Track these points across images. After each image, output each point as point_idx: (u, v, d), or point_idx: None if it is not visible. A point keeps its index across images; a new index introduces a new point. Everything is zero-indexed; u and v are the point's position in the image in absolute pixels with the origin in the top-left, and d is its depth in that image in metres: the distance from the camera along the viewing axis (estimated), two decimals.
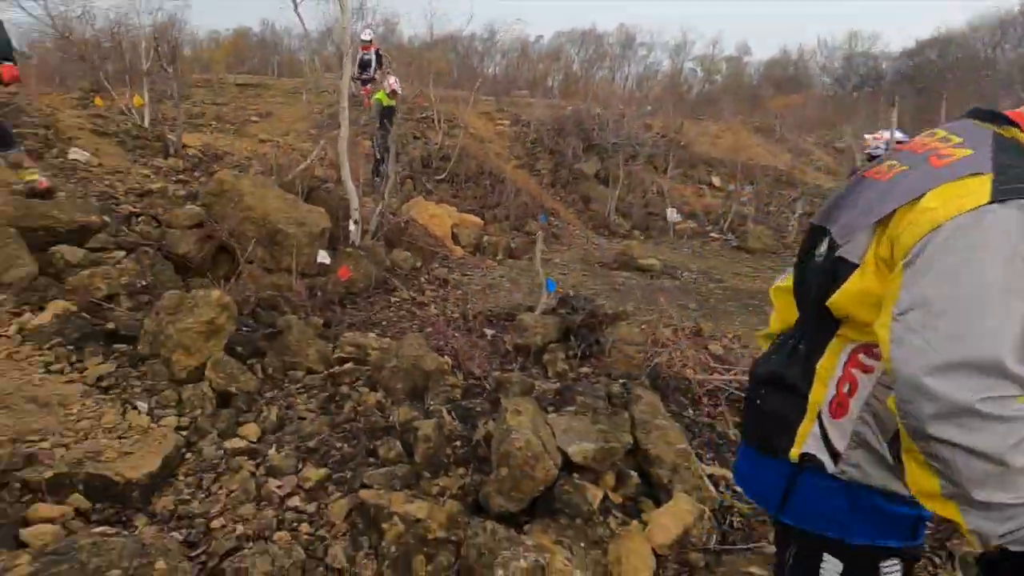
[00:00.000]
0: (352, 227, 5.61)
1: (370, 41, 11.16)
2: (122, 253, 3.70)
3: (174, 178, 5.61)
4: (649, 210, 10.77)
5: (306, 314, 4.03)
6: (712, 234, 10.09)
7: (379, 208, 6.31)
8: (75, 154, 4.79)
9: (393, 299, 5.12)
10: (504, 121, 13.45)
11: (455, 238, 7.66)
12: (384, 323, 4.52)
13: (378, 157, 9.00)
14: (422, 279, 5.87)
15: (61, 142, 5.17)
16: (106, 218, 3.81)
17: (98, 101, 8.50)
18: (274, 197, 4.86)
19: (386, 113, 9.15)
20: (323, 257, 4.62)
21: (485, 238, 7.81)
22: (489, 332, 4.27)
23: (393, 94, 9.32)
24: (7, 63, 3.62)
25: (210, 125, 10.47)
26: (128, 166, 5.43)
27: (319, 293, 4.41)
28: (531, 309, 4.41)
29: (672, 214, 9.86)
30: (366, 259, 5.43)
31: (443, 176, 9.92)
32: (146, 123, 6.69)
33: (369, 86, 11.06)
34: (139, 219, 4.36)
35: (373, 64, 11.06)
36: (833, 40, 41.65)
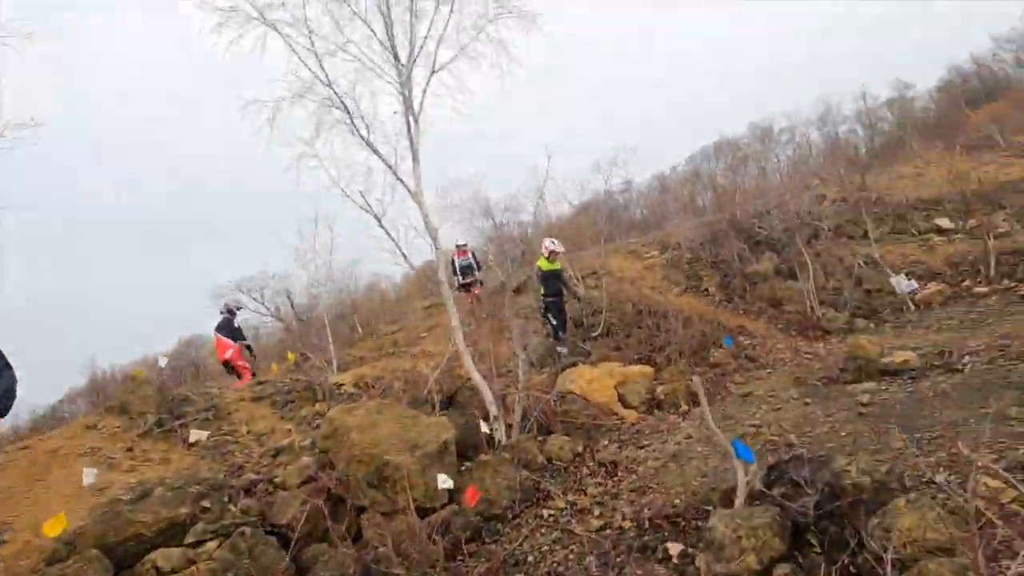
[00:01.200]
0: (485, 427, 4.73)
1: (465, 245, 11.39)
2: (215, 544, 3.16)
3: (315, 424, 5.46)
4: (866, 287, 8.30)
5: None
6: (978, 289, 7.22)
7: (519, 394, 5.41)
8: (194, 436, 4.85)
9: (546, 512, 3.87)
10: (652, 253, 12.47)
11: (622, 400, 6.31)
12: (531, 559, 3.26)
13: (553, 323, 8.40)
14: (584, 470, 4.56)
15: (219, 419, 5.39)
16: (206, 503, 3.39)
17: (290, 356, 9.74)
18: (389, 421, 4.24)
19: (547, 279, 8.56)
20: (444, 482, 3.68)
21: (659, 389, 6.33)
22: (675, 549, 2.74)
23: (552, 255, 8.70)
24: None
25: (389, 353, 11.22)
26: (275, 424, 5.42)
27: (441, 535, 3.38)
28: (732, 493, 2.81)
29: (903, 283, 7.36)
30: (510, 463, 4.39)
31: (599, 331, 8.92)
32: (302, 375, 7.06)
33: (476, 288, 11.11)
34: (257, 487, 3.96)
35: (474, 266, 11.16)
36: (1010, 32, 34.81)
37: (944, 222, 9.03)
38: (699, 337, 8.21)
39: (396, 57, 4.67)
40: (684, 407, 5.93)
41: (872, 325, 7.21)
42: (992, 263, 7.33)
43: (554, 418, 5.65)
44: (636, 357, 8.19)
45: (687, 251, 11.24)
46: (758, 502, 2.61)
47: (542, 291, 8.28)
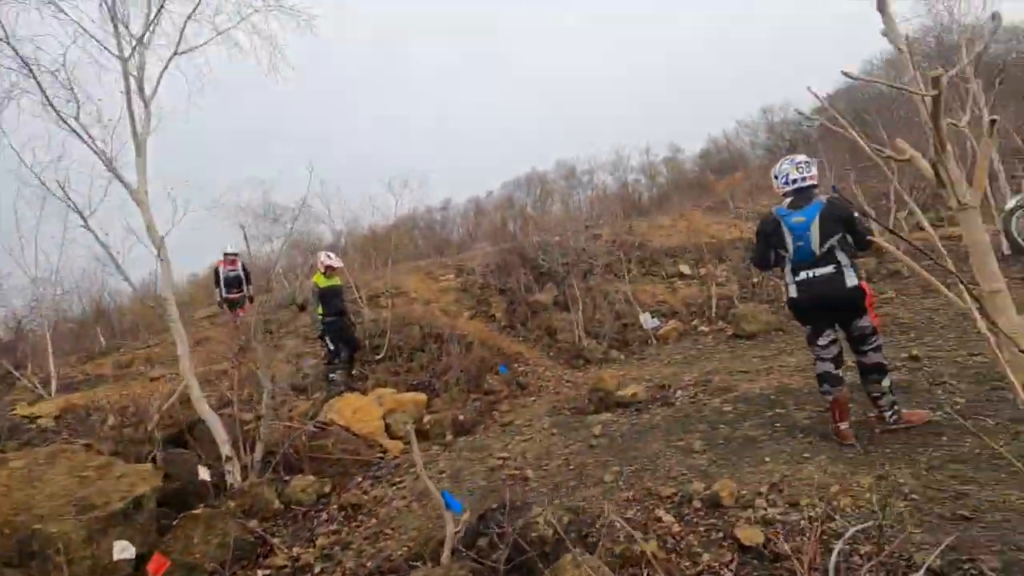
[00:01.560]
0: (204, 473, 4.05)
1: (236, 255, 9.96)
2: None
3: None
4: (624, 321, 9.38)
5: None
6: (701, 328, 8.62)
7: (262, 428, 4.80)
8: None
9: (261, 573, 3.39)
10: (448, 276, 12.59)
11: (389, 430, 6.05)
12: None
13: (331, 348, 7.68)
14: (324, 515, 4.17)
15: None
16: None
17: None
18: (61, 473, 3.35)
19: (325, 296, 7.77)
20: (122, 551, 2.98)
21: (427, 418, 6.22)
22: None
23: (330, 271, 7.70)
24: None
25: (137, 373, 9.35)
26: None
27: None
28: (441, 546, 2.71)
29: (647, 319, 8.45)
30: (230, 515, 3.79)
31: (381, 355, 8.58)
32: None
33: (245, 306, 9.80)
34: None
35: (243, 279, 9.88)
36: (751, 118, 44.37)
37: (685, 268, 10.72)
38: (479, 363, 8.40)
39: (118, 25, 3.84)
40: (449, 437, 5.90)
41: (623, 356, 8.11)
42: (713, 306, 8.83)
43: (306, 454, 5.14)
44: (415, 383, 8.04)
45: (480, 276, 11.58)
46: (464, 553, 2.54)
47: (320, 311, 7.67)
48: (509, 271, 11.14)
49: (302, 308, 10.69)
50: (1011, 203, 7.27)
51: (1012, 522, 2.32)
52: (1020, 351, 0.97)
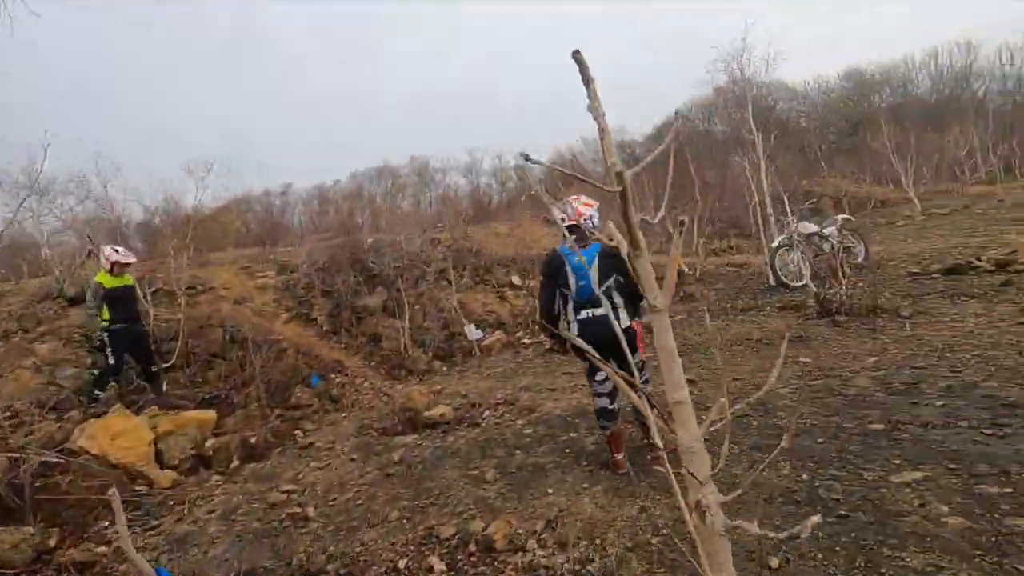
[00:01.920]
0: None
1: None
2: None
3: None
4: (451, 330, 9.29)
5: None
6: (524, 340, 8.86)
7: None
8: None
9: None
10: (268, 273, 11.43)
11: (161, 457, 5.17)
12: None
13: (111, 363, 6.34)
14: None
15: None
16: None
17: None
18: None
19: (113, 299, 6.35)
20: None
21: (210, 442, 5.44)
22: None
23: (118, 267, 6.42)
24: None
25: None
26: None
27: None
28: None
29: (472, 331, 8.45)
30: None
31: (169, 363, 7.41)
32: None
33: None
34: None
35: None
36: (593, 136, 48.34)
37: (516, 279, 10.99)
38: (290, 373, 7.68)
39: None
40: (235, 463, 5.22)
41: (445, 368, 8.00)
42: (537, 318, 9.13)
43: (31, 496, 4.13)
44: (208, 396, 7.08)
45: (304, 275, 10.67)
46: None
47: (104, 316, 6.35)
48: (337, 271, 10.43)
49: (73, 302, 8.89)
50: (776, 242, 8.61)
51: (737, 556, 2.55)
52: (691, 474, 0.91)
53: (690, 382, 5.08)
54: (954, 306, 6.02)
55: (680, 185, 16.31)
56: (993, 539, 2.20)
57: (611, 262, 3.27)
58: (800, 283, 7.99)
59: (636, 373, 3.53)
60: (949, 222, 14.54)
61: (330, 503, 3.85)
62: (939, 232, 13.28)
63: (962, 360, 4.33)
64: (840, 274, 6.56)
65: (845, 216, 9.67)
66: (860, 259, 8.86)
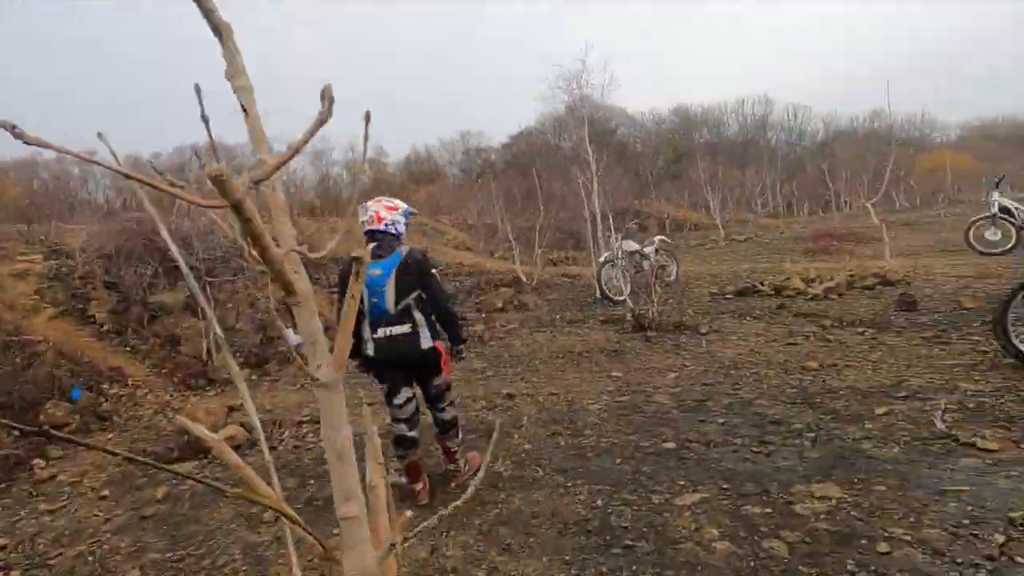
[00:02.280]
0: None
1: None
2: None
3: None
4: (269, 334, 8.32)
5: None
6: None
7: None
8: None
9: None
10: (33, 257, 9.29)
11: None
12: None
13: None
14: None
15: None
16: None
17: None
18: None
19: None
20: None
21: None
22: None
23: None
24: None
25: None
26: None
27: None
28: None
29: (291, 336, 7.55)
30: None
31: None
32: None
33: None
34: None
35: None
36: (451, 138, 48.56)
37: None
38: (44, 383, 6.21)
39: None
40: None
41: (255, 377, 7.10)
42: None
43: None
44: None
45: (82, 264, 8.82)
46: None
47: None
48: (128, 260, 8.78)
49: None
50: (603, 257, 9.12)
51: None
52: None
53: (508, 397, 5.02)
54: (742, 325, 6.80)
55: (527, 195, 16.81)
56: (751, 564, 2.31)
57: (413, 276, 2.98)
58: (621, 298, 8.53)
59: (441, 395, 3.33)
60: (744, 248, 16.89)
61: (48, 562, 3.01)
62: (736, 256, 15.33)
63: (743, 377, 4.82)
64: (652, 291, 7.05)
65: (662, 237, 10.58)
66: (672, 278, 9.75)
